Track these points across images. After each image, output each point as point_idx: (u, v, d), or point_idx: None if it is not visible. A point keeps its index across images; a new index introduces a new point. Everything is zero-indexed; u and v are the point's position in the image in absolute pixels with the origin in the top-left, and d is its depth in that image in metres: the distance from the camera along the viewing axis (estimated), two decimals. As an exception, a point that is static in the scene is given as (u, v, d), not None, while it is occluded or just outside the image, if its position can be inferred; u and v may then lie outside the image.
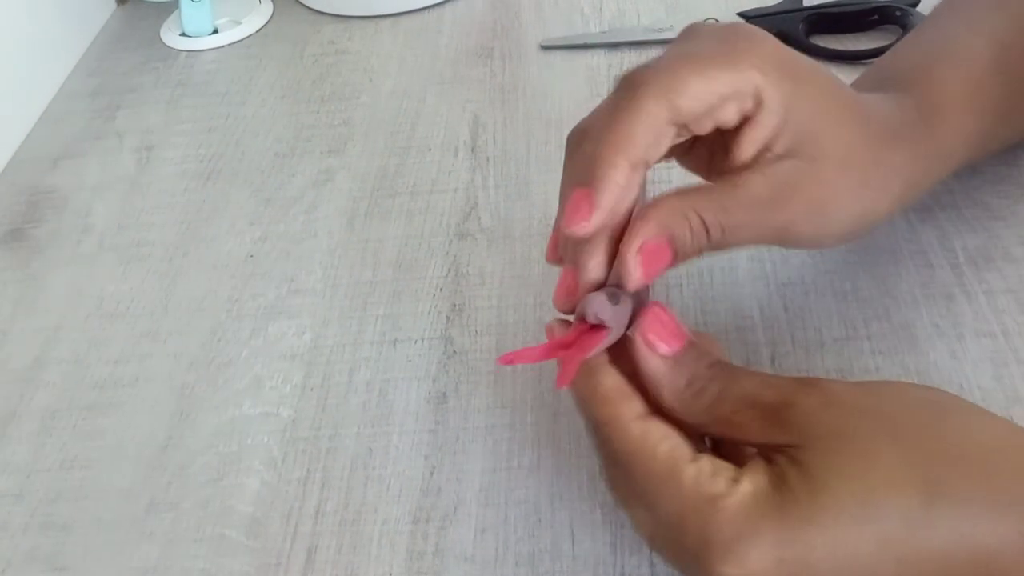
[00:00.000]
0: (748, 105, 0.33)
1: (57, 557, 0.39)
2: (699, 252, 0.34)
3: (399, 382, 0.44)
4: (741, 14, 0.63)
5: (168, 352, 0.47)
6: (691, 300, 0.45)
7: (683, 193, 0.34)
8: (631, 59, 0.62)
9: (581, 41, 0.64)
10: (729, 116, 0.33)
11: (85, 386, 0.46)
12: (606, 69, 0.62)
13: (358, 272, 0.50)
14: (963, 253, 0.45)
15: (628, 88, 0.33)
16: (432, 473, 0.40)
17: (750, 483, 0.29)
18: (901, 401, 0.30)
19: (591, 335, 0.32)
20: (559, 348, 0.33)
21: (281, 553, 0.38)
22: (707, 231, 0.33)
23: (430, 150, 0.57)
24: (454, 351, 0.45)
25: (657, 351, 0.32)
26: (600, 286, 0.33)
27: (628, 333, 0.33)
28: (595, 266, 0.33)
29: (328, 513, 0.39)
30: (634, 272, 0.32)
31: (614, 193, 0.32)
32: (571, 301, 0.34)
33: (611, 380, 0.32)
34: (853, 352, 0.42)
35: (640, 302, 0.34)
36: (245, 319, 0.48)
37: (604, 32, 0.65)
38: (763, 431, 0.30)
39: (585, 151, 0.33)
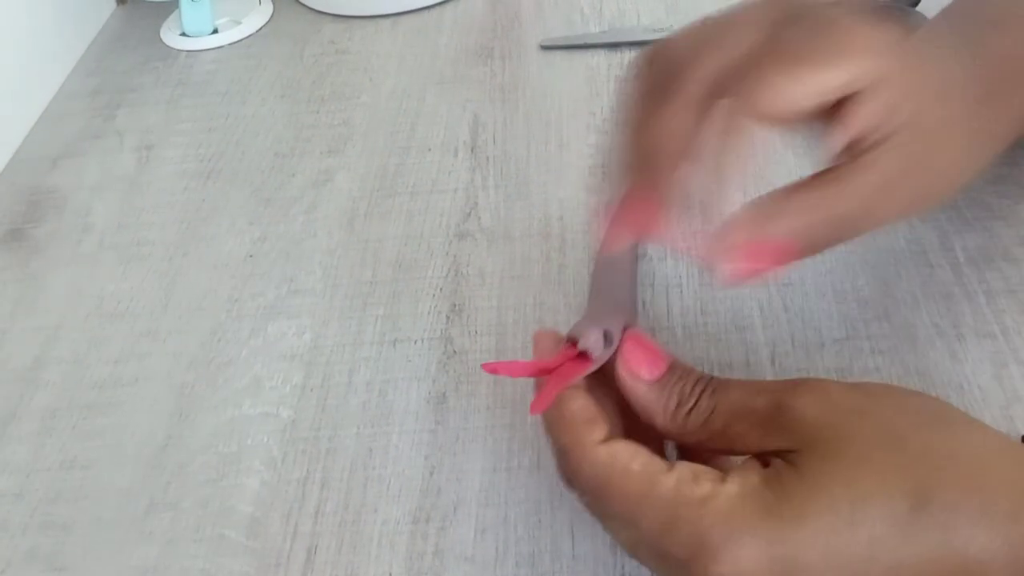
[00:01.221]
0: (851, 91, 0.32)
1: (57, 557, 0.39)
2: (819, 249, 0.34)
3: (399, 382, 0.44)
4: (741, 14, 0.63)
5: (168, 352, 0.47)
6: (691, 301, 0.45)
7: (802, 188, 0.33)
8: (631, 59, 0.62)
9: (581, 41, 0.64)
10: (829, 102, 0.32)
11: (85, 386, 0.46)
12: (606, 69, 0.62)
13: (358, 272, 0.50)
14: (963, 253, 0.45)
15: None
16: (432, 473, 0.40)
17: (738, 483, 0.29)
18: (896, 406, 0.30)
19: (574, 364, 0.33)
20: (543, 371, 0.33)
21: (281, 553, 0.38)
22: (829, 225, 0.33)
23: (430, 150, 0.57)
24: (454, 351, 0.45)
25: (641, 379, 0.33)
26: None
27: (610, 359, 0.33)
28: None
29: (328, 513, 0.39)
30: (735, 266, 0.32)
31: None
32: (648, 229, 0.33)
33: (577, 404, 0.32)
34: (853, 352, 0.42)
35: (627, 324, 0.34)
36: (245, 319, 0.48)
37: (604, 32, 0.65)
38: (760, 439, 0.30)
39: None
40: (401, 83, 0.64)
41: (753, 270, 0.32)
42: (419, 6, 0.71)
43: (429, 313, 0.47)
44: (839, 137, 0.33)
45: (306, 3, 0.74)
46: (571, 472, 0.31)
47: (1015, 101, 0.37)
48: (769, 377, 0.41)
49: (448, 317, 0.47)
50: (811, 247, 0.33)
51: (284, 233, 0.53)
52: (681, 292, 0.46)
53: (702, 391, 0.32)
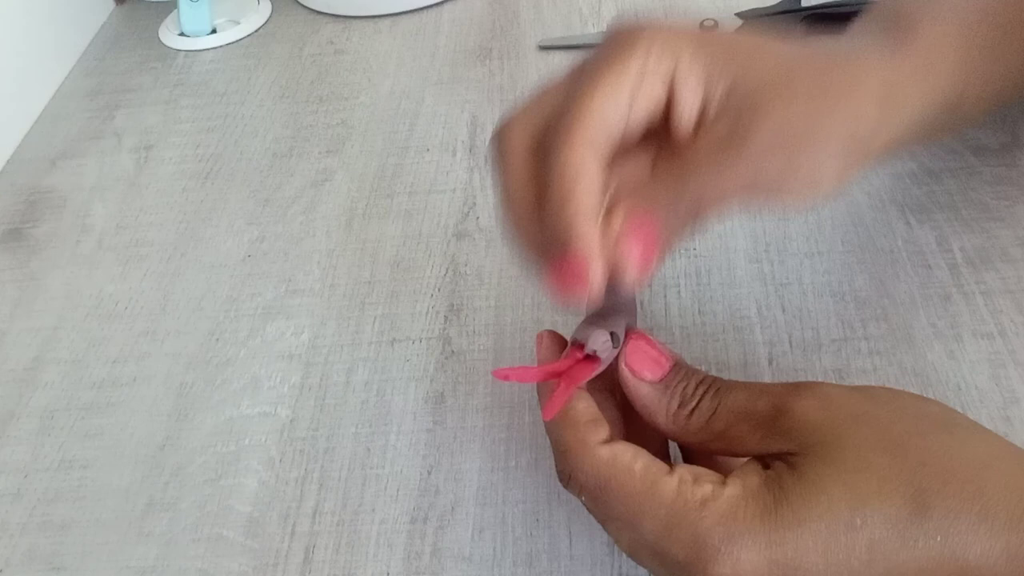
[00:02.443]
0: (659, 88, 0.32)
1: (55, 557, 0.39)
2: (682, 231, 0.32)
3: (397, 382, 0.44)
4: (739, 14, 0.63)
5: (166, 352, 0.47)
6: (689, 301, 0.45)
7: (643, 181, 0.33)
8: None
9: (579, 41, 0.64)
10: (651, 104, 0.32)
11: (83, 386, 0.46)
12: (604, 69, 0.62)
13: (356, 272, 0.50)
14: (961, 254, 0.45)
15: (549, 151, 0.32)
16: (430, 473, 0.40)
17: (739, 485, 0.29)
18: (897, 410, 0.30)
19: (583, 366, 0.33)
20: (552, 374, 0.33)
21: (279, 553, 0.38)
22: (680, 206, 0.32)
23: (428, 150, 0.57)
24: (452, 351, 0.45)
25: (644, 379, 0.33)
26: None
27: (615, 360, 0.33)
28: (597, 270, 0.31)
29: (326, 513, 0.39)
30: (627, 259, 0.31)
31: (593, 247, 0.31)
32: (583, 289, 0.32)
33: (580, 404, 0.32)
34: (851, 352, 0.42)
35: (629, 325, 0.34)
36: (243, 319, 0.48)
37: (603, 32, 0.65)
38: (760, 441, 0.30)
39: (548, 216, 0.32)
40: (400, 83, 0.64)
41: (645, 254, 0.31)
42: (418, 6, 0.71)
43: (427, 313, 0.47)
44: (676, 134, 0.33)
45: (305, 3, 0.74)
46: (572, 471, 0.31)
47: (897, 54, 0.36)
48: (767, 377, 0.41)
49: (446, 317, 0.47)
50: (670, 228, 0.32)
51: (282, 233, 0.53)
52: (679, 292, 0.46)
53: (704, 392, 0.32)
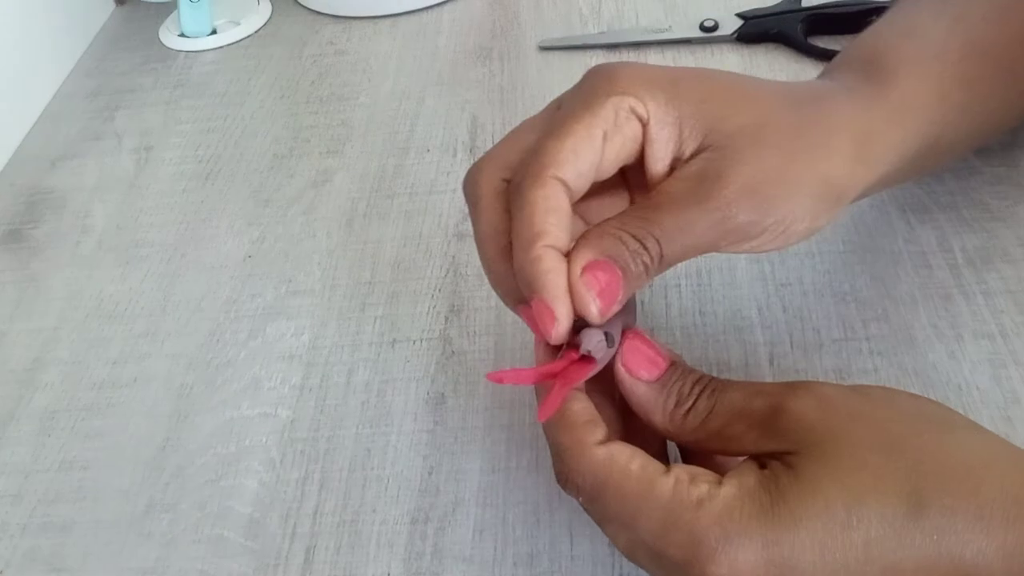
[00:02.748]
0: (633, 129, 0.33)
1: (56, 558, 0.39)
2: (647, 272, 0.32)
3: (397, 383, 0.44)
4: (740, 15, 0.63)
5: (167, 353, 0.47)
6: (689, 301, 0.45)
7: (608, 219, 0.32)
8: (630, 59, 0.62)
9: (579, 42, 0.64)
10: (626, 148, 0.33)
11: (84, 387, 0.46)
12: (605, 70, 0.62)
13: (356, 273, 0.50)
14: (962, 254, 0.45)
15: (515, 187, 0.32)
16: (431, 473, 0.40)
17: (736, 485, 0.29)
18: (893, 409, 0.30)
19: (578, 367, 0.33)
20: (547, 376, 0.33)
21: (279, 554, 0.38)
22: (644, 247, 0.31)
23: (429, 151, 0.57)
24: (452, 352, 0.45)
25: (640, 379, 0.33)
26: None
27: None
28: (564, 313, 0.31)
29: (326, 513, 0.39)
30: (588, 299, 0.31)
31: (556, 284, 0.31)
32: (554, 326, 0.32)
33: (576, 405, 0.32)
34: (852, 353, 0.42)
35: (626, 324, 0.34)
36: (243, 320, 0.48)
37: (602, 33, 0.65)
38: (757, 441, 0.30)
39: (514, 254, 0.32)
40: (400, 84, 0.64)
41: (606, 298, 0.31)
42: (418, 7, 0.71)
43: (428, 314, 0.47)
44: (651, 176, 0.33)
45: (305, 4, 0.74)
46: (569, 472, 0.31)
47: (873, 101, 0.36)
48: (768, 377, 0.41)
49: (447, 318, 0.47)
50: (631, 272, 0.31)
51: (283, 234, 0.53)
52: (680, 292, 0.46)
53: (701, 391, 0.32)
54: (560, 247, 0.31)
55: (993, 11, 0.41)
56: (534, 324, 0.32)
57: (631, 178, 0.35)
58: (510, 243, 0.32)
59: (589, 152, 0.32)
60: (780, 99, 0.35)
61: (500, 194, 0.34)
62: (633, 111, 0.32)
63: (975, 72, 0.39)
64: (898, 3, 0.43)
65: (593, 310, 0.31)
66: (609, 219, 0.33)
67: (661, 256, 0.32)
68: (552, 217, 0.31)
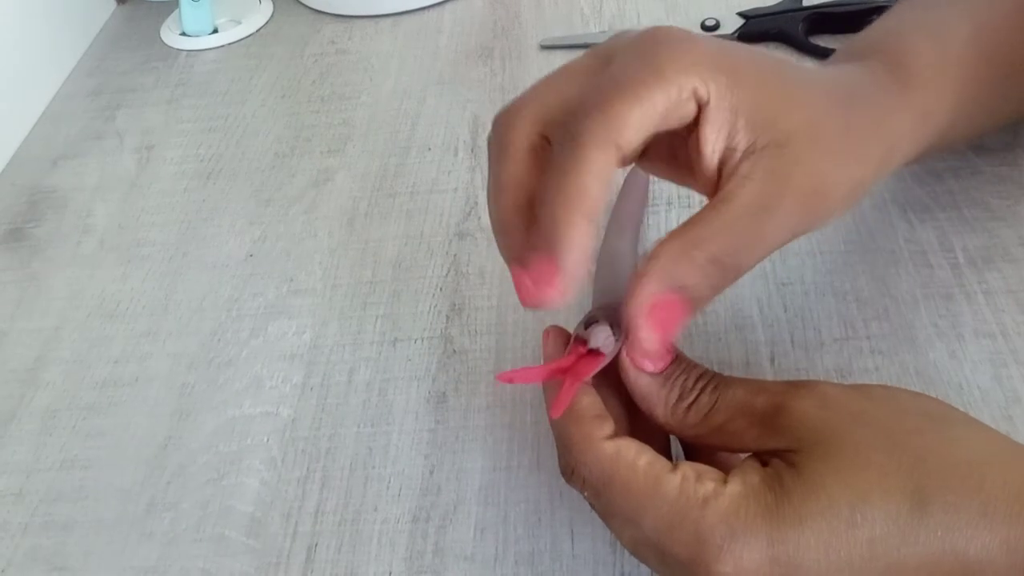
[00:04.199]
0: (690, 109, 0.32)
1: (57, 557, 0.39)
2: (717, 291, 0.31)
3: (399, 382, 0.44)
4: (741, 14, 0.63)
5: (168, 352, 0.47)
6: (691, 300, 0.45)
7: (679, 233, 0.31)
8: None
9: (581, 41, 0.64)
10: (672, 124, 0.32)
11: (85, 386, 0.46)
12: (606, 69, 0.62)
13: (358, 272, 0.50)
14: (963, 253, 0.45)
15: (570, 141, 0.31)
16: (432, 472, 0.40)
17: (740, 483, 0.29)
18: (896, 408, 0.30)
19: (587, 361, 0.33)
20: (557, 372, 0.33)
21: (281, 552, 0.38)
22: (718, 264, 0.31)
23: (430, 150, 0.57)
24: (454, 350, 0.45)
25: (645, 370, 0.33)
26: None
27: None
28: (576, 259, 0.31)
29: (328, 512, 0.39)
30: (648, 339, 0.31)
31: (577, 254, 0.30)
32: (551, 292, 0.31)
33: (585, 400, 0.32)
34: (852, 352, 0.42)
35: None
36: (245, 319, 0.48)
37: (604, 32, 0.65)
38: (758, 438, 0.30)
39: (544, 208, 0.31)
40: (401, 83, 0.64)
41: (665, 336, 0.31)
42: (419, 6, 0.71)
43: (429, 312, 0.47)
44: (700, 161, 0.32)
45: (306, 3, 0.74)
46: (575, 466, 0.31)
47: (898, 105, 0.37)
48: (769, 376, 0.41)
49: (448, 317, 0.47)
50: (699, 296, 0.31)
51: (284, 233, 0.53)
52: (681, 292, 0.46)
53: (704, 386, 0.32)
54: (597, 219, 0.30)
55: (1016, 13, 0.41)
56: (522, 284, 0.31)
57: (652, 147, 0.34)
58: (528, 200, 0.32)
59: (651, 126, 0.31)
60: (829, 96, 0.34)
61: (531, 149, 0.33)
62: (695, 93, 0.31)
63: (994, 75, 0.40)
64: None
65: (653, 347, 0.31)
66: (682, 231, 0.31)
67: (735, 271, 0.32)
68: (601, 185, 0.30)
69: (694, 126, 0.32)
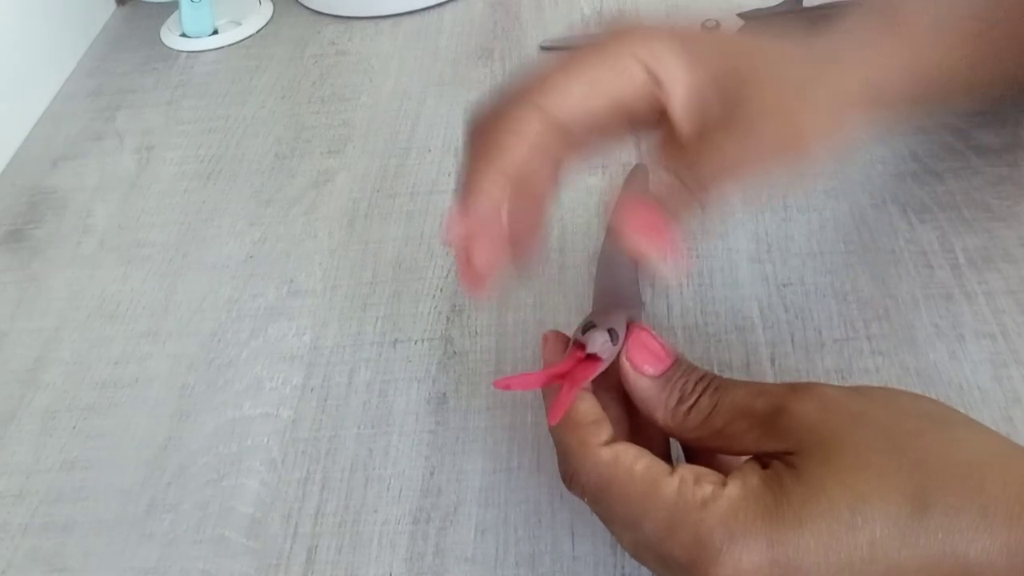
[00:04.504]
0: (649, 89, 0.33)
1: (57, 558, 0.39)
2: (690, 205, 0.32)
3: (399, 383, 0.44)
4: (741, 14, 0.63)
5: (168, 353, 0.47)
6: (691, 301, 0.45)
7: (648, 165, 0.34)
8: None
9: (581, 42, 0.64)
10: (639, 104, 0.33)
11: (85, 387, 0.46)
12: (606, 70, 0.62)
13: (358, 273, 0.50)
14: (963, 254, 0.45)
15: (507, 98, 0.33)
16: (432, 474, 0.40)
17: (740, 485, 0.29)
18: (896, 410, 0.30)
19: (585, 366, 0.33)
20: (554, 378, 0.33)
21: (281, 554, 0.38)
22: (682, 177, 0.32)
23: (430, 151, 0.57)
24: (454, 352, 0.45)
25: (644, 373, 0.33)
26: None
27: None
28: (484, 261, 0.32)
29: (328, 514, 0.39)
30: (633, 238, 0.31)
31: (483, 200, 0.32)
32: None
33: (583, 405, 0.32)
34: (853, 353, 0.42)
35: (632, 318, 0.34)
36: (245, 320, 0.48)
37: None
38: (758, 440, 0.30)
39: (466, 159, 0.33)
40: (401, 84, 0.64)
41: (651, 240, 0.32)
42: (419, 7, 0.71)
43: (429, 314, 0.47)
44: (681, 134, 0.33)
45: (306, 4, 0.74)
46: (574, 473, 0.31)
47: (883, 40, 0.37)
48: (770, 378, 0.41)
49: (448, 318, 0.47)
50: (673, 209, 0.32)
51: (284, 234, 0.53)
52: (681, 292, 0.46)
53: (704, 389, 0.32)
54: (510, 173, 0.32)
55: None
56: (447, 229, 0.33)
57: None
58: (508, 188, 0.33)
59: (596, 96, 0.33)
60: (790, 46, 0.35)
61: (536, 147, 0.33)
62: (636, 54, 0.33)
63: (992, 28, 0.40)
64: None
65: (655, 260, 0.31)
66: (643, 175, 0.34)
67: (703, 191, 0.32)
68: (517, 140, 0.32)
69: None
